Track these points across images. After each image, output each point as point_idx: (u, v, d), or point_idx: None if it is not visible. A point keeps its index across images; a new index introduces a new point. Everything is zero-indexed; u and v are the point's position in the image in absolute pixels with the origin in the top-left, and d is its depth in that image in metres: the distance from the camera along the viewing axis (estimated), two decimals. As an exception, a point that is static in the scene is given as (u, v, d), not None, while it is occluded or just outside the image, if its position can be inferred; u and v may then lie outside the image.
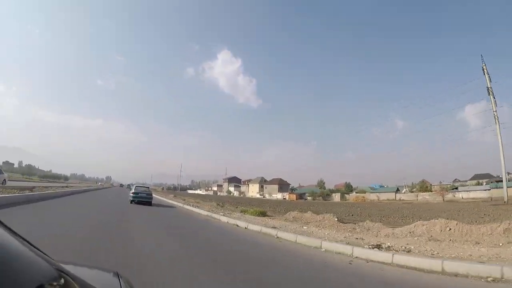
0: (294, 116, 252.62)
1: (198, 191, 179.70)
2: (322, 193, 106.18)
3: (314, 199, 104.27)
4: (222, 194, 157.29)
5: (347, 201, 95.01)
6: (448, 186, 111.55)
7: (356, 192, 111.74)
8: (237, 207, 27.21)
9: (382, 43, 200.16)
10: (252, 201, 70.18)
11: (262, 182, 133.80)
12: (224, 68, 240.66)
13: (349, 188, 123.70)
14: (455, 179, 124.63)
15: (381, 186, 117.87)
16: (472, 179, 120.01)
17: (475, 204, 47.94)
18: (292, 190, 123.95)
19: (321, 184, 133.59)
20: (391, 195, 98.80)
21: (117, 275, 1.37)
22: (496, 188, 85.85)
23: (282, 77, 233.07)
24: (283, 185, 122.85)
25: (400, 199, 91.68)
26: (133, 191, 22.81)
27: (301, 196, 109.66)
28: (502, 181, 49.03)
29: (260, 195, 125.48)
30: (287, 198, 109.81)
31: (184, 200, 39.18)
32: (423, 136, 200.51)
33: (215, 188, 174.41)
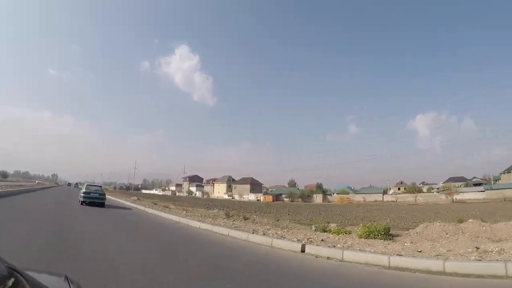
0: (251, 116, 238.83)
1: (153, 191, 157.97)
2: (302, 194, 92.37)
3: (292, 200, 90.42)
4: (181, 194, 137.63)
5: (332, 203, 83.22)
6: (425, 187, 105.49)
7: (337, 193, 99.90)
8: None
9: (347, 37, 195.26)
10: (225, 202, 62.42)
11: (230, 182, 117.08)
12: (181, 64, 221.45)
13: (320, 189, 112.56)
14: (423, 182, 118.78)
15: (349, 187, 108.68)
16: (446, 181, 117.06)
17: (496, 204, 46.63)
18: (267, 190, 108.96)
19: (292, 184, 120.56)
20: (378, 197, 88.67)
21: (66, 278, 1.34)
22: (491, 189, 80.00)
23: (239, 76, 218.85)
24: (255, 185, 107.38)
25: (396, 201, 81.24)
26: (84, 190, 19.87)
27: (277, 197, 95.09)
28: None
29: (228, 195, 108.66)
30: (261, 200, 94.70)
31: (142, 201, 34.01)
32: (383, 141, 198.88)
33: (173, 188, 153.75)
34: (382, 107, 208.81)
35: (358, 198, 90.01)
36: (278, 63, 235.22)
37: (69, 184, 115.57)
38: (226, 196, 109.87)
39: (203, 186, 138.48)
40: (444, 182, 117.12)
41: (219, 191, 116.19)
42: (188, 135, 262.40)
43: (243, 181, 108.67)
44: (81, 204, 19.04)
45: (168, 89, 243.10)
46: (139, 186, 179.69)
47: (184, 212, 21.18)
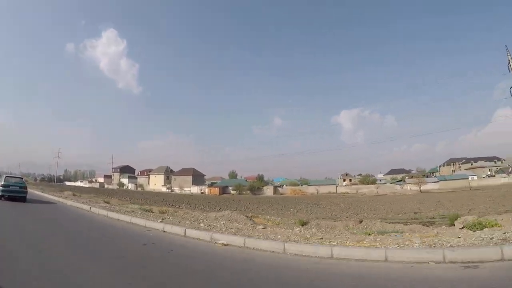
0: (176, 107, 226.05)
1: (79, 183, 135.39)
2: (252, 186, 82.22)
3: (240, 193, 79.99)
4: (111, 187, 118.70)
5: (285, 196, 74.94)
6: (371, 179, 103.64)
7: (286, 185, 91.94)
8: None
9: (274, 35, 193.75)
10: (166, 196, 53.14)
11: (168, 173, 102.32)
12: (108, 48, 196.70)
13: (261, 181, 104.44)
14: (359, 174, 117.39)
15: (284, 179, 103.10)
16: (388, 173, 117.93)
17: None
18: (213, 183, 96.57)
19: (233, 176, 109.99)
20: (332, 188, 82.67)
21: None
22: (445, 180, 79.31)
23: (167, 65, 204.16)
24: (197, 177, 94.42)
25: (351, 192, 75.24)
26: (2, 183, 16.94)
27: (223, 190, 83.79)
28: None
29: (167, 188, 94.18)
30: (206, 193, 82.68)
31: (79, 197, 24.92)
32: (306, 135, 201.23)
33: (101, 179, 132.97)
34: (308, 103, 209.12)
35: (311, 190, 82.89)
36: (202, 58, 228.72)
37: None
38: (164, 189, 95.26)
39: (136, 177, 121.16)
40: (386, 174, 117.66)
41: (155, 183, 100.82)
42: (113, 125, 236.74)
43: (184, 172, 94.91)
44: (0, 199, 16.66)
45: (92, 75, 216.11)
46: (61, 178, 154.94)
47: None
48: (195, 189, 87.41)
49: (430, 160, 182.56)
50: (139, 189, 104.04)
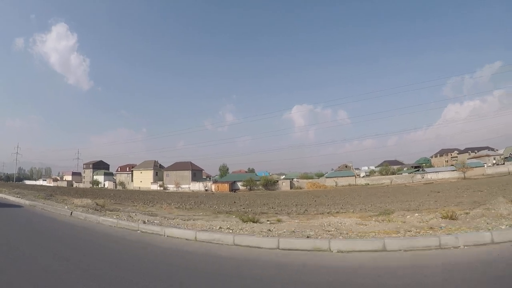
0: (129, 102, 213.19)
1: (41, 182, 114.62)
2: (267, 180, 71.08)
3: (251, 189, 68.78)
4: (82, 185, 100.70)
5: (304, 190, 65.52)
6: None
7: (298, 178, 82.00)
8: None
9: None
10: (167, 196, 43.60)
11: (158, 168, 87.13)
12: (58, 43, 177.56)
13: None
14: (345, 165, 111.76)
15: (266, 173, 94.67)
16: (380, 165, 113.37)
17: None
18: (217, 178, 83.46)
19: (224, 170, 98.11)
20: (351, 180, 74.43)
21: None
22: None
23: (119, 59, 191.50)
24: (196, 172, 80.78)
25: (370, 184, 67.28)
26: None
27: (231, 186, 71.74)
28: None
29: (159, 186, 79.50)
30: (212, 190, 70.03)
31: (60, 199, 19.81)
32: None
33: (68, 178, 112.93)
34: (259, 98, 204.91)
35: (330, 182, 74.00)
36: (160, 46, 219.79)
37: None
38: (155, 187, 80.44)
39: (112, 174, 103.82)
40: (378, 166, 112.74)
41: (141, 180, 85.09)
42: (63, 121, 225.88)
43: (179, 166, 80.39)
44: None
45: (42, 70, 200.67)
46: (20, 177, 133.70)
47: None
48: (196, 186, 74.05)
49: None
50: (119, 187, 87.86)
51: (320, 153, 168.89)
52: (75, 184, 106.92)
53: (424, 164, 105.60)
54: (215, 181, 74.87)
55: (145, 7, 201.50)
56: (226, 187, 69.87)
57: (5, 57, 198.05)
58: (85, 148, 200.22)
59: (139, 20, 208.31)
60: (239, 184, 72.21)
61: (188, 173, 76.80)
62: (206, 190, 70.99)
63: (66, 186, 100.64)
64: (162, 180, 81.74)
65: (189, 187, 74.41)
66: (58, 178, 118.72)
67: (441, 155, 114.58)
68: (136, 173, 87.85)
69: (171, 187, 76.61)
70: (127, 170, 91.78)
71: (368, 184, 72.70)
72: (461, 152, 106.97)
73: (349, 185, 72.10)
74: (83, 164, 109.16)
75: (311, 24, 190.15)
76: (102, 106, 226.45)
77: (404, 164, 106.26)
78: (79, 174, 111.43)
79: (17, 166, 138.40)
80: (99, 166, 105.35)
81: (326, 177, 77.64)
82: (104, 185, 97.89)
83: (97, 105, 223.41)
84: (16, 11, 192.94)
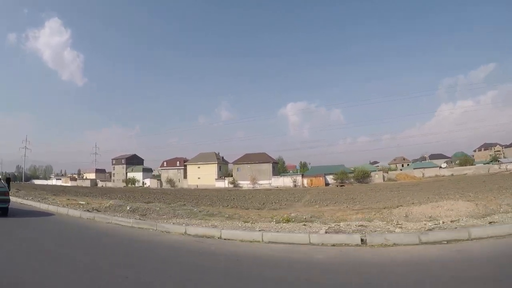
0: (124, 98, 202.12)
1: (53, 181, 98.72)
2: (363, 173, 63.81)
3: (342, 183, 61.42)
4: (110, 184, 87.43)
5: (399, 182, 59.39)
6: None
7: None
8: None
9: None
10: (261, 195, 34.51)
11: (221, 162, 76.32)
12: (51, 39, 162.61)
13: (305, 168, 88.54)
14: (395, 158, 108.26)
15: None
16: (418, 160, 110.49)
17: None
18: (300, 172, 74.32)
19: (282, 162, 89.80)
20: (436, 171, 69.69)
21: None
22: None
23: (114, 56, 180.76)
24: (274, 165, 70.98)
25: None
26: None
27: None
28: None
29: (230, 183, 69.16)
30: (305, 184, 61.54)
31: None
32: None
33: (90, 176, 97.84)
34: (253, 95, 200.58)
35: (417, 173, 68.62)
36: (156, 41, 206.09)
37: None
38: (221, 184, 69.95)
39: (151, 170, 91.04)
40: (416, 160, 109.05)
41: (199, 176, 73.95)
42: (58, 118, 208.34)
43: (255, 158, 69.46)
44: None
45: (35, 67, 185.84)
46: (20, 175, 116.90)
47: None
48: (280, 181, 64.84)
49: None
50: (166, 185, 76.24)
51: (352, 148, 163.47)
52: (100, 183, 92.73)
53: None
54: (304, 175, 65.97)
55: (141, 4, 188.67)
56: (321, 181, 61.62)
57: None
58: (81, 144, 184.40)
59: (134, 17, 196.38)
60: (328, 178, 64.32)
61: (267, 167, 67.03)
62: (296, 185, 62.26)
63: (90, 185, 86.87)
64: (233, 176, 71.22)
65: (270, 183, 65.03)
66: (76, 176, 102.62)
67: (485, 149, 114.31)
68: (191, 168, 76.21)
69: (245, 184, 66.72)
70: (178, 164, 79.54)
71: (453, 174, 68.47)
72: (507, 146, 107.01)
73: (436, 176, 67.37)
74: (112, 160, 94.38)
75: (310, 24, 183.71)
76: (97, 102, 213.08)
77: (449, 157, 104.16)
78: (103, 171, 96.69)
79: (14, 165, 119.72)
80: (132, 161, 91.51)
81: (414, 168, 72.07)
82: (143, 183, 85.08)
83: (91, 101, 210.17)
84: (9, 5, 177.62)
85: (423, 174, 68.55)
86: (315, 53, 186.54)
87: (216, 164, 72.86)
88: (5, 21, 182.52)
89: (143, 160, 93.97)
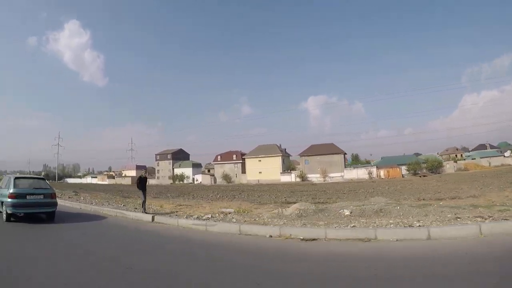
0: (146, 96, 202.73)
1: (89, 180, 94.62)
2: (436, 162, 63.14)
3: (415, 173, 60.71)
4: (154, 181, 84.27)
5: (470, 172, 59.23)
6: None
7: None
8: None
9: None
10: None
11: (285, 155, 74.00)
12: (70, 40, 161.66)
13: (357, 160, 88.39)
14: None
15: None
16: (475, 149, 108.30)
17: None
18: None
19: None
20: (501, 160, 69.95)
21: None
22: None
23: (134, 55, 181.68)
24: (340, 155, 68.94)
25: None
26: (12, 190, 9.11)
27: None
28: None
29: (298, 176, 67.15)
30: (381, 176, 60.32)
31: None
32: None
33: (130, 173, 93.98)
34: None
35: (484, 162, 68.68)
36: (175, 40, 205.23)
37: None
38: (287, 178, 67.85)
39: (200, 165, 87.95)
40: (472, 150, 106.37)
41: (260, 171, 71.65)
42: (81, 119, 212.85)
43: (323, 149, 66.82)
44: (7, 219, 9.09)
45: (56, 69, 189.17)
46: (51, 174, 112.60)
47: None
48: (353, 174, 63.41)
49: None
50: (221, 181, 73.80)
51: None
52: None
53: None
54: (380, 166, 64.67)
55: (160, 2, 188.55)
56: (398, 172, 60.59)
57: (19, 57, 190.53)
58: (106, 142, 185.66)
59: (153, 15, 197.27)
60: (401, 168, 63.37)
61: (339, 158, 65.35)
62: (371, 177, 61.01)
63: (131, 183, 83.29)
64: (301, 170, 69.13)
65: (342, 176, 63.56)
66: (114, 174, 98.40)
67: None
68: (251, 162, 73.77)
69: (314, 177, 64.96)
70: (234, 158, 76.85)
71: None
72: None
73: (502, 164, 67.52)
74: (156, 155, 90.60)
75: (330, 16, 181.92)
76: (118, 101, 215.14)
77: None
78: (143, 167, 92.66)
79: (41, 163, 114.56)
80: (178, 156, 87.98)
81: (481, 158, 71.95)
82: (194, 180, 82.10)
83: (113, 100, 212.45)
84: (28, 10, 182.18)
85: (489, 163, 68.60)
86: (338, 45, 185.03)
87: (280, 157, 70.68)
88: (25, 25, 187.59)
89: (189, 155, 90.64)
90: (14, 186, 9.17)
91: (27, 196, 9.17)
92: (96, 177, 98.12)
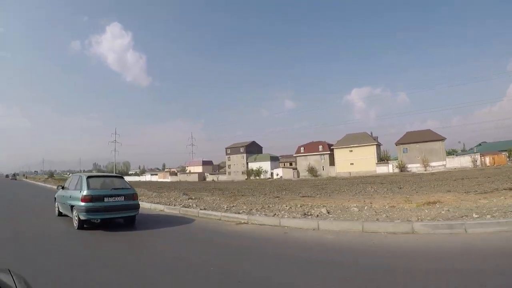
0: (186, 93, 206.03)
1: (147, 177, 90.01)
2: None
3: None
4: (224, 177, 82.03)
5: None
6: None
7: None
8: None
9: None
10: None
11: (377, 144, 73.54)
12: (113, 43, 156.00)
13: None
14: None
15: None
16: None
17: None
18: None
19: None
20: None
21: (8, 271, 1.29)
22: None
23: (177, 53, 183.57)
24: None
25: None
26: (87, 192, 7.69)
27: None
28: None
29: (397, 167, 67.29)
30: (486, 164, 62.18)
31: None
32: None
33: (196, 169, 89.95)
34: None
35: None
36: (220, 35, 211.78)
37: (7, 176, 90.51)
38: (381, 169, 67.76)
39: (277, 159, 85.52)
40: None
41: (352, 162, 71.16)
42: (126, 118, 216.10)
43: (420, 136, 65.91)
44: (80, 227, 7.79)
45: (100, 70, 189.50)
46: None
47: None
48: (455, 162, 64.76)
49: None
50: (305, 175, 72.86)
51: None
52: (210, 177, 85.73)
53: None
54: (483, 153, 66.55)
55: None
56: (503, 158, 62.88)
57: (64, 61, 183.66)
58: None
59: (194, 13, 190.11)
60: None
61: (440, 145, 66.24)
62: (475, 165, 62.81)
63: (197, 180, 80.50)
64: (401, 160, 69.13)
65: (444, 164, 64.83)
66: (176, 171, 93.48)
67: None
68: (340, 152, 73.09)
69: (414, 167, 65.62)
70: (320, 149, 75.70)
71: None
72: None
73: None
74: (226, 149, 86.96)
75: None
76: (161, 100, 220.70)
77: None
78: (209, 163, 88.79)
79: (91, 162, 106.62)
80: (251, 149, 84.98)
81: None
82: (272, 174, 79.88)
83: (156, 99, 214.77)
84: (69, 15, 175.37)
85: None
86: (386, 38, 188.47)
87: (375, 146, 70.65)
88: (68, 30, 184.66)
89: (261, 147, 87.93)
90: (88, 187, 7.91)
91: (104, 198, 7.89)
92: (156, 175, 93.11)
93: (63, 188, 9.71)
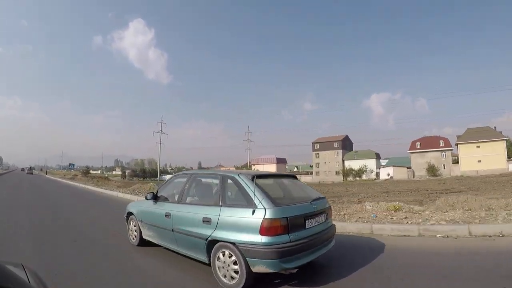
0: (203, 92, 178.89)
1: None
2: None
3: None
4: (309, 179, 62.45)
5: None
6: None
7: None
8: None
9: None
10: None
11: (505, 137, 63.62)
12: (135, 39, 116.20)
13: None
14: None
15: None
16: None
17: None
18: None
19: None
20: None
21: (21, 266, 1.27)
22: None
23: (195, 53, 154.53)
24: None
25: None
26: (273, 212, 3.06)
27: None
28: None
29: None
30: None
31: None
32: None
33: (267, 168, 66.07)
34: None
35: None
36: (243, 33, 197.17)
37: (23, 170, 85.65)
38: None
39: (377, 157, 67.92)
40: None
41: (479, 159, 60.26)
42: (146, 116, 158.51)
43: None
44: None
45: (122, 66, 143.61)
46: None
47: None
48: None
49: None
50: (426, 176, 59.45)
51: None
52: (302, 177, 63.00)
53: None
54: None
55: None
56: None
57: (86, 55, 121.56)
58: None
59: (218, 12, 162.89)
60: None
61: None
62: None
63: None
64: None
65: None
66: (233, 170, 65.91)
67: None
68: (466, 149, 61.25)
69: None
70: (442, 145, 61.87)
71: None
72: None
73: None
74: (313, 144, 64.39)
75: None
76: (182, 98, 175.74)
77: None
78: (283, 161, 64.71)
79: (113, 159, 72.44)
80: (347, 145, 65.02)
81: None
82: (377, 175, 62.67)
83: (177, 97, 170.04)
84: (94, 10, 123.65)
85: None
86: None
87: (504, 141, 61.05)
88: (92, 26, 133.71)
89: (352, 143, 68.63)
90: (272, 201, 3.27)
91: (306, 221, 3.49)
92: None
93: (156, 198, 4.67)
